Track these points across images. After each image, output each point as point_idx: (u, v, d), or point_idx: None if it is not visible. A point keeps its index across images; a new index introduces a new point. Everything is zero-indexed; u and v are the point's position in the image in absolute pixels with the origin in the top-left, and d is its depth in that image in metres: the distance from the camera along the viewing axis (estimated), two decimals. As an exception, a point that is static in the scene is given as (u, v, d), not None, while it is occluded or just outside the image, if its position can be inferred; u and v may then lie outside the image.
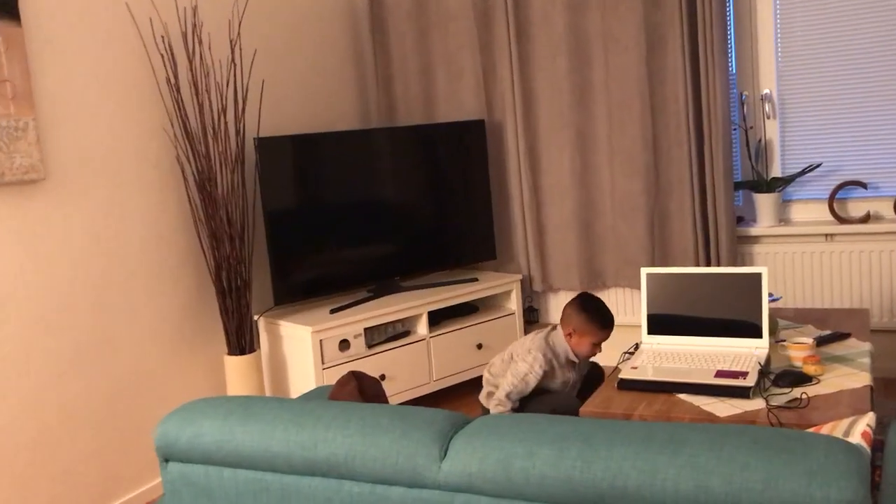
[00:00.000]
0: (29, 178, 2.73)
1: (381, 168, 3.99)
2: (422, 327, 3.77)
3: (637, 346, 2.71)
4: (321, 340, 3.43)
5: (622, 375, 2.42)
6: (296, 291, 3.64)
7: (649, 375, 2.39)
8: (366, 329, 3.58)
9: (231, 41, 3.37)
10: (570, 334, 2.77)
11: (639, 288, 4.01)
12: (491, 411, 2.86)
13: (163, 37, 3.16)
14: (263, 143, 3.44)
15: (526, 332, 4.17)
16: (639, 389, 2.37)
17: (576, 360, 2.81)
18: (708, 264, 3.82)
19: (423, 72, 4.32)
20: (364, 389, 2.26)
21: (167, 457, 1.60)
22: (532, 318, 4.32)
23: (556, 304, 4.29)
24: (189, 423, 1.57)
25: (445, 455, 1.36)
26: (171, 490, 1.59)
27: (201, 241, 3.34)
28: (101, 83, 3.00)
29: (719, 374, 2.33)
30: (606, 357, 3.22)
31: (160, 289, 3.22)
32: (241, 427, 1.51)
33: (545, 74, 4.04)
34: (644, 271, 2.71)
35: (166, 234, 3.25)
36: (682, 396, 2.30)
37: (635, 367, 2.47)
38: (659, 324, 2.66)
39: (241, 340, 3.41)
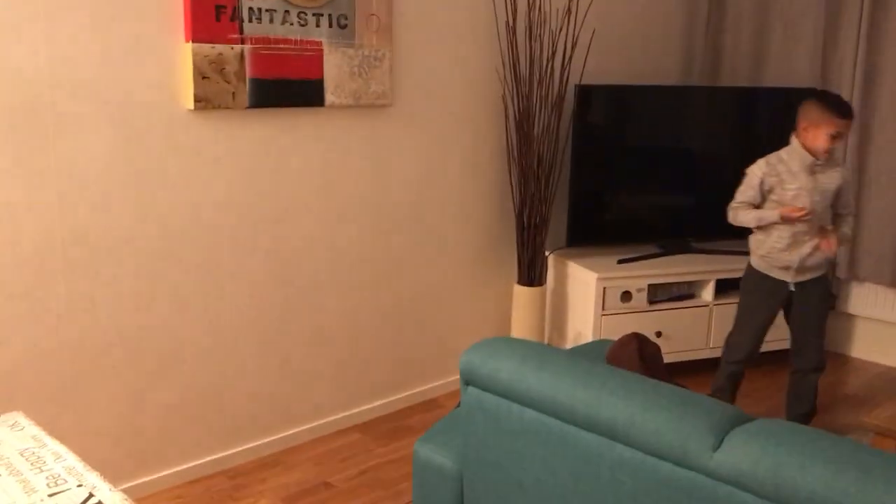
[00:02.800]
0: (380, 103, 3.11)
1: (694, 126, 3.94)
2: (707, 293, 3.75)
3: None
4: (605, 288, 3.56)
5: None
6: (589, 235, 3.78)
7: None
8: (650, 285, 3.65)
9: (570, -11, 3.48)
10: (805, 128, 2.80)
11: (960, 297, 3.63)
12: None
13: (509, -19, 3.35)
14: (583, 91, 3.56)
15: (817, 317, 3.97)
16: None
17: (813, 159, 2.80)
18: None
19: (758, 31, 4.13)
20: (644, 353, 2.37)
21: (468, 381, 1.85)
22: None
23: (860, 294, 4.03)
24: (490, 357, 1.79)
25: (720, 446, 1.45)
26: (467, 410, 1.85)
27: (511, 176, 3.58)
28: (448, 22, 3.28)
29: None
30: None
31: (469, 214, 3.53)
32: (534, 372, 1.71)
33: (897, 48, 3.69)
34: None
35: (482, 166, 3.53)
36: None
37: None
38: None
39: (532, 273, 3.65)
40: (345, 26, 2.95)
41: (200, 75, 2.62)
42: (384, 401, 3.35)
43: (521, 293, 3.68)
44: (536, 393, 1.69)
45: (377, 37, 3.05)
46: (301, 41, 2.85)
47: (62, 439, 2.52)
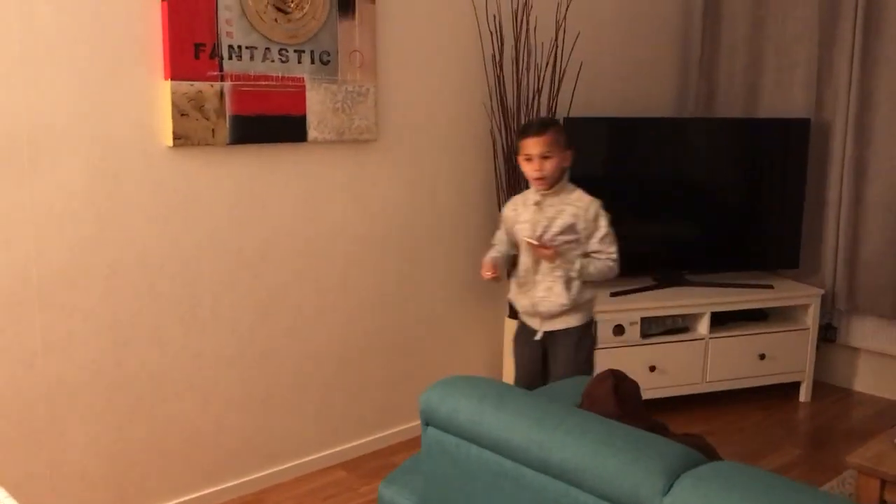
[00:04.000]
0: (364, 138, 3.11)
1: (688, 158, 3.92)
2: (702, 326, 3.69)
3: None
4: (596, 322, 3.51)
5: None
6: (581, 269, 3.74)
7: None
8: (643, 318, 3.60)
9: (557, 23, 3.48)
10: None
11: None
12: None
13: (495, 16, 3.36)
14: (572, 123, 3.55)
15: (818, 350, 3.90)
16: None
17: (537, 189, 2.70)
18: None
19: (752, 62, 4.11)
20: (619, 390, 2.32)
21: (428, 421, 1.81)
22: (829, 336, 4.02)
23: (860, 327, 3.95)
24: (449, 397, 1.76)
25: (669, 490, 1.40)
26: (427, 451, 1.81)
27: (501, 209, 3.56)
28: (434, 56, 3.29)
29: None
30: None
31: (458, 247, 3.51)
32: (491, 412, 1.67)
33: (891, 76, 3.65)
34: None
35: (471, 198, 3.51)
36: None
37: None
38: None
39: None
40: (327, 62, 2.96)
41: (179, 112, 2.63)
42: (370, 438, 3.30)
43: (511, 326, 3.63)
44: (494, 433, 1.66)
45: (361, 72, 3.06)
46: (283, 77, 2.86)
47: (39, 478, 2.50)
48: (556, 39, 3.47)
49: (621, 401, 2.29)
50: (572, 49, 3.54)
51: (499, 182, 3.53)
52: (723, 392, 3.79)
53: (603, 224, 2.68)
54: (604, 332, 3.53)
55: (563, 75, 3.52)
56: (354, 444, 3.26)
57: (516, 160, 2.77)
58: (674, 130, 3.90)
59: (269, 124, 2.86)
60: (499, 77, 3.40)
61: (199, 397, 2.82)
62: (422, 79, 3.27)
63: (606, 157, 3.87)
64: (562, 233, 2.66)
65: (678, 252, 3.92)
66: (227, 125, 2.75)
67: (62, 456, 2.54)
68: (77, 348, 2.53)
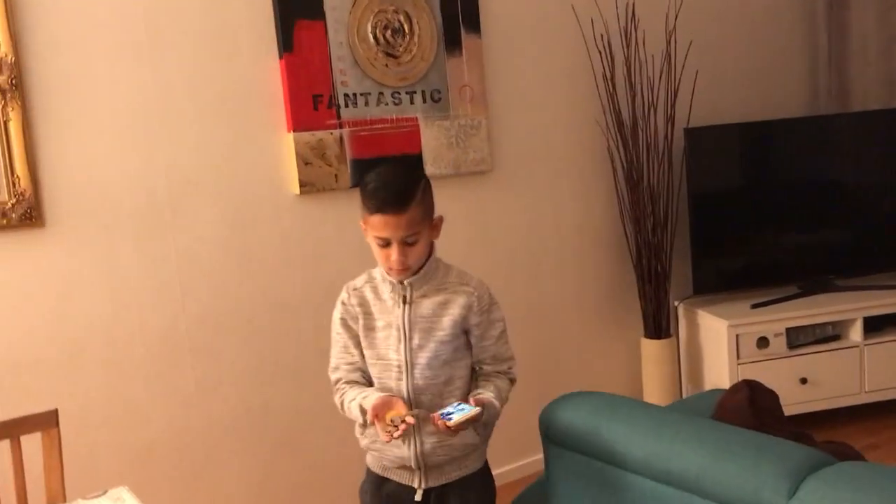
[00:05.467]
0: (479, 170, 3.18)
1: (827, 158, 3.73)
2: (855, 333, 3.46)
3: None
4: (738, 335, 3.37)
5: None
6: (716, 282, 3.62)
7: None
8: (788, 329, 3.42)
9: (667, 34, 3.44)
10: (364, 230, 1.79)
11: None
12: None
13: (602, 35, 3.36)
14: (692, 133, 3.47)
15: None
16: None
17: (396, 282, 1.79)
18: None
19: (885, 50, 3.87)
20: (756, 400, 2.22)
21: (548, 437, 1.82)
22: None
23: None
24: (565, 412, 1.76)
25: (795, 493, 1.34)
26: (549, 467, 1.81)
27: (625, 226, 3.52)
28: (544, 82, 3.33)
29: None
30: None
31: (585, 268, 3.49)
32: (606, 426, 1.66)
33: None
34: None
35: (594, 218, 3.50)
36: None
37: None
38: None
39: (658, 325, 3.53)
40: (438, 100, 3.06)
41: (304, 161, 2.80)
42: (520, 463, 3.28)
43: (650, 346, 3.56)
44: (611, 447, 1.64)
45: (472, 106, 3.14)
46: (397, 119, 2.99)
47: (199, 511, 2.68)
48: (667, 50, 3.42)
49: (758, 412, 2.19)
50: (685, 58, 3.48)
51: (620, 199, 3.49)
52: (887, 402, 3.52)
53: (498, 317, 1.87)
54: (747, 346, 3.38)
55: (678, 85, 3.46)
56: (505, 469, 3.26)
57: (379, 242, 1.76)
58: (808, 130, 3.72)
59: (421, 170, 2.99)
60: (611, 94, 3.38)
61: (342, 430, 2.93)
62: (533, 105, 3.31)
63: (737, 165, 3.75)
64: (466, 335, 1.82)
65: (823, 257, 3.71)
66: (349, 169, 2.89)
67: (218, 489, 2.71)
68: (226, 388, 2.71)
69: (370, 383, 1.82)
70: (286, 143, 2.79)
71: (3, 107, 2.33)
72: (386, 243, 1.71)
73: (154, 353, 2.59)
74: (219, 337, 2.69)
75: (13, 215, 2.37)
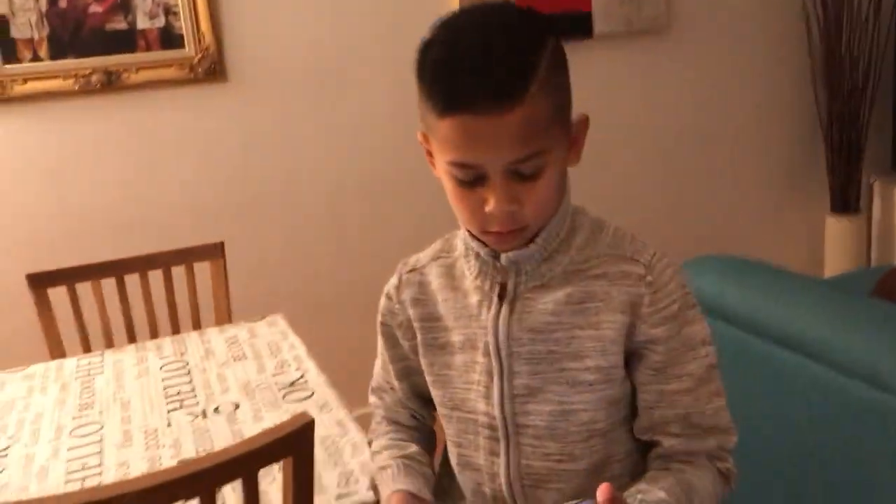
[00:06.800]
0: (653, 27, 3.01)
1: None
2: None
3: None
4: None
5: None
6: (920, 157, 3.26)
7: None
8: None
9: None
10: (431, 163, 0.98)
11: None
12: None
13: None
14: (908, -13, 3.06)
15: None
16: None
17: (488, 252, 0.94)
18: None
19: None
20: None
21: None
22: None
23: None
24: (696, 276, 1.72)
25: (916, 369, 1.25)
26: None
27: (816, 91, 3.23)
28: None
29: None
30: None
31: (770, 135, 3.28)
32: (733, 289, 1.61)
33: None
34: None
35: (780, 83, 3.25)
36: None
37: None
38: None
39: (846, 200, 3.27)
40: (612, -49, 2.90)
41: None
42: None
43: (834, 224, 3.32)
44: (738, 310, 1.60)
45: (646, -44, 2.95)
46: (566, -27, 2.87)
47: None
48: None
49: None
50: None
51: (813, 61, 3.19)
52: None
53: (699, 334, 0.95)
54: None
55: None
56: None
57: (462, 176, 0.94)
58: None
59: (555, 23, 2.89)
60: (812, -57, 3.04)
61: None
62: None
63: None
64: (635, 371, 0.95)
65: None
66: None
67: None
68: (391, 250, 2.86)
69: (424, 426, 1.10)
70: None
71: (188, -32, 2.51)
72: (475, 178, 0.88)
73: (322, 207, 2.76)
74: (383, 199, 2.81)
75: (199, 70, 2.59)
